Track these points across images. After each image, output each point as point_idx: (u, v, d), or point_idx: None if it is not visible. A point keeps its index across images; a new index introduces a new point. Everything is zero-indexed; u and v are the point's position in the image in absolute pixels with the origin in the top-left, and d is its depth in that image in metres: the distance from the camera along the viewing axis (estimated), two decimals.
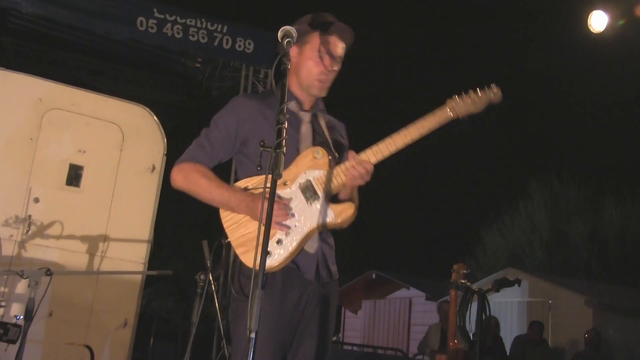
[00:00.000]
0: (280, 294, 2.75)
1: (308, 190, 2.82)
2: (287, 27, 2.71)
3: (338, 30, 2.99)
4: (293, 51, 2.96)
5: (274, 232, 2.74)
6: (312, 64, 2.96)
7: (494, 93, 2.99)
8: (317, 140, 2.95)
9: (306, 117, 3.00)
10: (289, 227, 2.77)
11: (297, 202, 2.81)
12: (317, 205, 2.81)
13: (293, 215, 2.77)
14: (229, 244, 2.88)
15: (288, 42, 2.67)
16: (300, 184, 2.83)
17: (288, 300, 2.77)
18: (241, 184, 2.88)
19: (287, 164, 2.80)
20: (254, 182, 2.84)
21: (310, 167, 2.84)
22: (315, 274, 2.85)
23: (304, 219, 2.79)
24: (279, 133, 2.44)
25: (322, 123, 3.04)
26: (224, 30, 10.62)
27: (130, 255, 5.96)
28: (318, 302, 2.85)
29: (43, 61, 10.64)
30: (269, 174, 2.39)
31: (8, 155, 5.68)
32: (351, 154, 2.86)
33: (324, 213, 2.81)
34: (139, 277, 5.89)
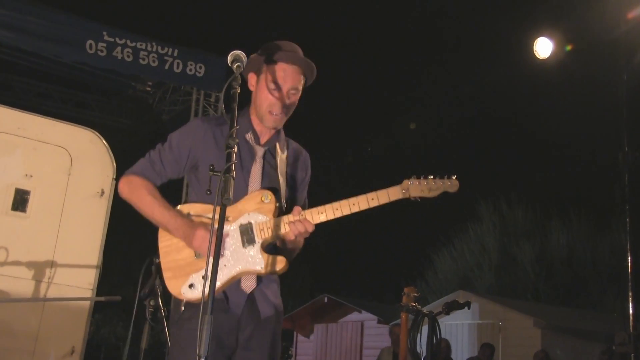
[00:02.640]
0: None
1: (246, 234, 2.82)
2: (237, 52, 2.72)
3: (287, 57, 2.95)
4: (252, 80, 2.99)
5: (203, 264, 2.71)
6: (265, 95, 2.93)
7: (451, 183, 2.95)
8: (266, 180, 2.94)
9: (260, 151, 2.98)
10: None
11: (233, 241, 2.81)
12: (251, 250, 2.80)
13: (223, 255, 2.76)
14: (159, 265, 2.90)
15: (238, 66, 2.68)
16: (241, 224, 2.83)
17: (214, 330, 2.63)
18: (185, 208, 2.88)
19: (236, 199, 2.81)
20: (198, 210, 2.85)
21: (255, 209, 2.84)
22: (249, 310, 2.84)
23: (233, 261, 2.78)
24: (228, 157, 2.45)
25: (280, 158, 3.00)
26: (175, 54, 10.61)
27: (78, 281, 5.84)
28: (254, 335, 2.83)
29: None
30: (217, 204, 2.39)
31: None
32: (297, 209, 2.85)
33: (254, 260, 2.79)
34: (87, 304, 5.78)
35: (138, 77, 11.80)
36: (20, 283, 5.58)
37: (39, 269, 5.69)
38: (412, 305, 5.04)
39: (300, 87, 2.99)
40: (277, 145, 3.02)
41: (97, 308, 6.15)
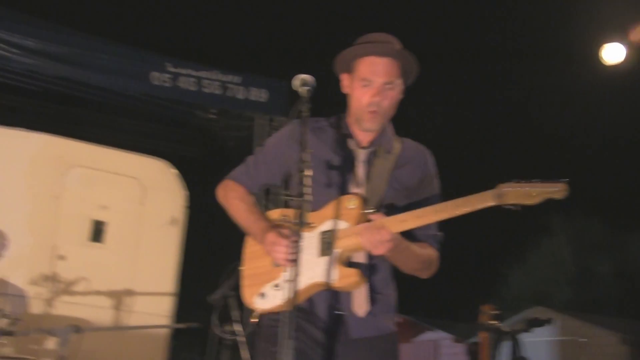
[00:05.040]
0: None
1: (325, 241, 2.63)
2: (304, 75, 2.65)
3: (377, 49, 2.73)
4: (345, 81, 2.82)
5: (279, 274, 2.64)
6: (359, 94, 2.73)
7: (558, 189, 2.47)
8: (368, 185, 2.71)
9: (362, 155, 2.76)
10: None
11: (311, 250, 2.64)
12: (326, 260, 2.60)
13: (298, 264, 2.46)
14: (237, 272, 2.86)
15: (307, 90, 2.55)
16: (322, 232, 2.66)
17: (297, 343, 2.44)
18: (274, 213, 2.80)
19: (326, 203, 2.66)
20: (288, 213, 2.63)
21: (339, 215, 2.64)
22: (337, 326, 2.65)
23: (307, 271, 2.58)
24: (301, 181, 2.39)
25: (385, 160, 2.76)
26: (238, 81, 10.73)
27: (155, 309, 5.95)
28: (342, 355, 2.64)
29: (63, 120, 10.77)
30: (295, 223, 2.37)
31: (33, 214, 5.74)
32: (376, 215, 2.59)
33: (328, 271, 2.59)
34: (165, 331, 5.88)
35: (202, 105, 11.95)
36: (101, 312, 5.72)
37: (118, 297, 5.81)
38: (491, 324, 4.91)
39: (397, 81, 2.75)
40: (382, 146, 2.79)
41: (173, 334, 6.23)
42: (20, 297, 5.49)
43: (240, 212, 2.84)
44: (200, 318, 5.23)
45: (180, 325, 4.83)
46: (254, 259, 2.78)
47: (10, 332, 4.01)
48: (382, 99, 2.71)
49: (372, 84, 2.70)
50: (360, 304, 2.65)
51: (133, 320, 5.84)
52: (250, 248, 2.82)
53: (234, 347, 4.77)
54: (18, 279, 5.54)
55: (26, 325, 4.17)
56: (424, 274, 2.81)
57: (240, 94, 10.67)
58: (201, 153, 12.37)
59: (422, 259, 2.75)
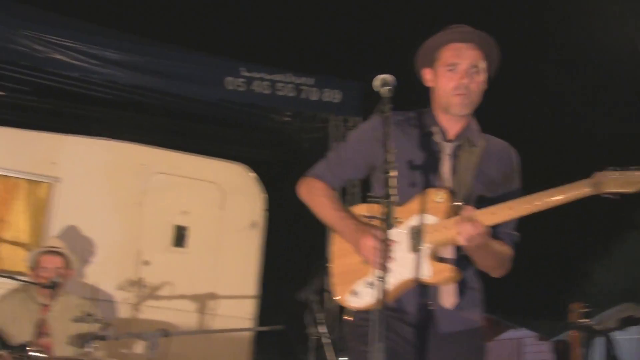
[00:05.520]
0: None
1: (415, 237, 2.60)
2: (384, 75, 2.64)
3: (456, 35, 2.74)
4: (427, 75, 2.81)
5: (370, 271, 2.58)
6: (445, 81, 2.71)
7: None
8: (454, 178, 2.67)
9: (448, 148, 2.73)
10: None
11: (401, 246, 2.61)
12: (418, 256, 2.57)
13: (390, 261, 2.48)
14: (325, 270, 2.85)
15: (388, 90, 2.52)
16: (411, 227, 2.62)
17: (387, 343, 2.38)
18: (359, 208, 2.78)
19: (412, 197, 2.63)
20: (373, 211, 2.57)
21: (426, 210, 2.61)
22: (427, 322, 2.63)
23: (399, 268, 2.56)
24: (386, 183, 2.36)
25: (471, 154, 2.73)
26: (311, 83, 10.76)
27: (238, 312, 6.03)
28: (433, 350, 2.61)
29: (142, 128, 11.04)
30: (382, 221, 2.35)
31: (118, 221, 5.89)
32: (467, 208, 2.55)
33: (421, 267, 2.56)
34: (249, 334, 5.94)
35: (276, 108, 12.03)
36: (185, 315, 5.82)
37: (202, 301, 5.91)
38: (582, 322, 4.78)
39: (481, 66, 2.72)
40: (468, 139, 2.75)
41: (256, 337, 6.29)
42: (109, 302, 5.65)
43: (326, 209, 2.82)
44: (280, 320, 5.26)
45: (265, 328, 4.88)
46: (343, 256, 2.75)
47: (103, 336, 4.11)
48: (469, 81, 2.69)
49: (457, 67, 2.69)
50: (448, 297, 2.63)
51: (217, 323, 5.93)
52: (337, 245, 2.80)
53: (320, 348, 4.76)
54: (107, 284, 5.70)
55: (117, 330, 4.27)
56: (497, 273, 2.76)
57: (313, 95, 10.70)
58: (277, 156, 12.47)
59: (500, 257, 2.71)
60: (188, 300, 5.87)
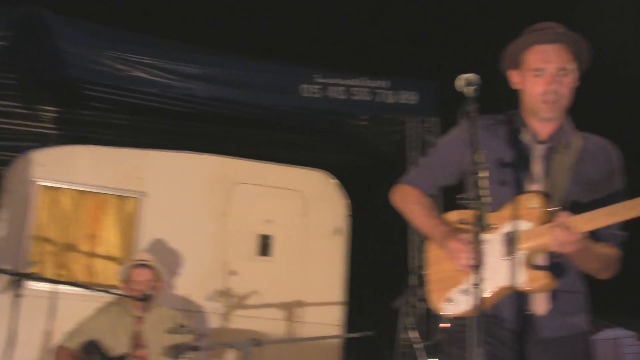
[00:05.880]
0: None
1: (509, 243, 2.55)
2: (467, 75, 2.59)
3: (542, 36, 2.64)
4: (514, 77, 2.74)
5: (465, 278, 2.55)
6: (532, 86, 2.64)
7: None
8: (548, 182, 2.60)
9: (539, 150, 2.66)
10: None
11: (496, 253, 2.56)
12: (511, 263, 2.52)
13: (483, 268, 2.39)
14: (420, 276, 2.83)
15: (474, 89, 2.46)
16: (505, 234, 2.57)
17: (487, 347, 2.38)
18: (453, 215, 2.73)
19: (505, 202, 2.58)
20: (466, 216, 2.49)
21: (520, 216, 2.55)
22: (527, 327, 2.57)
23: (493, 275, 2.51)
24: (475, 184, 2.32)
25: (565, 155, 2.64)
26: (387, 86, 10.71)
27: (326, 319, 6.03)
28: (534, 356, 2.55)
29: (221, 139, 11.21)
30: (473, 225, 2.31)
31: (204, 233, 5.98)
32: (562, 214, 2.47)
33: (516, 274, 2.51)
34: (338, 340, 5.93)
35: (352, 113, 12.01)
36: (274, 324, 5.85)
37: (289, 309, 5.93)
38: None
39: (570, 67, 2.63)
40: (561, 140, 2.67)
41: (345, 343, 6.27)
42: (199, 312, 5.74)
43: (418, 216, 2.81)
44: (365, 326, 5.24)
45: (355, 335, 4.85)
46: (437, 263, 2.73)
47: (197, 347, 4.18)
48: (557, 86, 2.60)
49: (544, 72, 2.60)
50: (540, 303, 2.56)
51: (305, 330, 5.94)
52: (432, 252, 2.77)
53: (409, 354, 4.73)
54: (196, 295, 5.79)
55: (210, 340, 4.33)
56: (603, 275, 2.66)
57: (389, 98, 10.64)
58: (355, 160, 12.45)
59: (604, 259, 2.61)
60: (276, 308, 5.91)
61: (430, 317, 8.08)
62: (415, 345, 4.18)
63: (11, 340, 4.04)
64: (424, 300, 3.93)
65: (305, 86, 10.44)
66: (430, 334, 7.81)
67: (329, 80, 10.56)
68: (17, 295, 4.06)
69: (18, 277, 4.16)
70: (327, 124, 12.28)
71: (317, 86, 10.51)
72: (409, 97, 10.71)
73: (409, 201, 2.86)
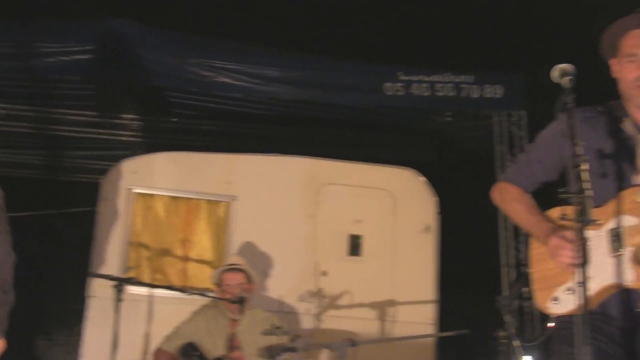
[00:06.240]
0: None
1: (615, 240, 2.45)
2: (563, 65, 2.52)
3: (636, 21, 2.58)
4: (614, 66, 2.68)
5: (570, 276, 2.44)
6: (626, 72, 2.59)
7: None
8: None
9: None
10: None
11: (600, 250, 2.47)
12: (618, 260, 2.43)
13: (588, 265, 2.34)
14: (525, 276, 2.76)
15: (570, 79, 2.42)
16: (610, 230, 2.48)
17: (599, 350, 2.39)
18: (556, 211, 2.65)
19: (611, 196, 2.50)
20: (568, 211, 2.44)
21: (626, 211, 2.45)
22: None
23: (599, 272, 2.44)
24: (577, 177, 2.26)
25: None
26: (471, 80, 10.54)
27: (418, 317, 5.97)
28: None
29: (306, 141, 11.28)
30: (577, 221, 2.24)
31: (294, 235, 6.03)
32: None
33: (623, 271, 2.42)
34: (431, 339, 5.88)
35: (436, 109, 11.87)
36: (366, 324, 5.85)
37: (381, 308, 5.91)
38: None
39: None
40: None
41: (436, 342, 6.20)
42: (292, 314, 5.79)
43: (520, 214, 2.75)
44: (457, 324, 5.17)
45: (450, 333, 4.79)
46: (542, 261, 2.65)
47: (293, 348, 4.21)
48: None
49: (636, 57, 2.54)
50: None
51: (397, 329, 5.91)
52: (536, 250, 2.70)
53: (505, 352, 4.63)
54: (288, 297, 5.84)
55: (305, 341, 4.36)
56: None
57: (474, 93, 10.47)
58: (441, 157, 12.31)
59: None
60: (367, 308, 5.89)
61: (530, 315, 7.92)
62: (514, 344, 4.08)
63: (115, 343, 4.17)
64: (523, 297, 3.84)
65: (389, 84, 10.38)
66: (527, 332, 7.65)
67: (412, 77, 10.48)
68: (119, 300, 4.19)
69: (119, 282, 4.29)
70: (411, 122, 12.19)
71: (400, 84, 10.44)
72: (494, 91, 10.51)
73: (510, 199, 2.81)
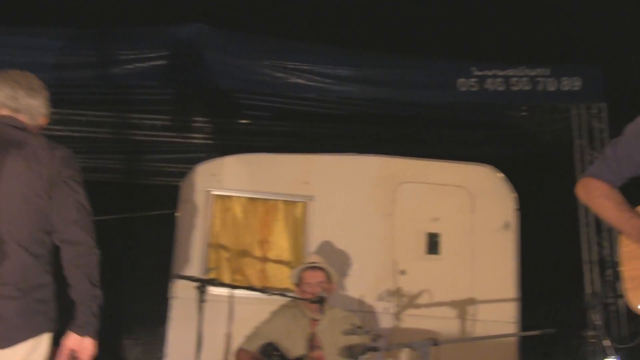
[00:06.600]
0: None
1: None
2: None
3: None
4: None
5: None
6: None
7: None
8: None
9: None
10: None
11: None
12: None
13: None
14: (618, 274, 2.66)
15: None
16: None
17: None
18: None
19: None
20: None
21: None
22: None
23: None
24: None
25: None
26: (547, 73, 10.30)
27: (499, 316, 5.87)
28: None
29: (381, 139, 11.25)
30: None
31: (371, 233, 6.02)
32: None
33: None
34: (513, 338, 5.77)
35: (512, 104, 11.64)
36: (446, 323, 5.79)
37: (461, 307, 5.84)
38: None
39: None
40: None
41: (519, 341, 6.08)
42: (371, 313, 5.78)
43: (608, 210, 2.67)
44: (540, 322, 5.05)
45: (535, 332, 4.69)
46: (633, 259, 2.59)
47: (375, 347, 4.19)
48: None
49: None
50: None
51: (478, 328, 5.83)
52: (626, 248, 2.63)
53: (590, 351, 4.50)
54: (367, 296, 5.84)
55: (387, 341, 4.34)
56: None
57: (551, 86, 10.22)
58: (518, 152, 12.07)
59: None
60: (447, 307, 5.83)
61: (616, 314, 7.68)
62: (603, 343, 3.96)
63: (199, 343, 4.24)
64: (617, 296, 3.72)
65: (462, 80, 10.24)
66: (613, 332, 7.43)
67: (486, 72, 10.31)
68: (202, 301, 4.25)
69: (202, 284, 4.36)
70: (486, 117, 11.99)
71: (474, 79, 10.28)
72: (571, 84, 10.23)
73: (596, 195, 2.72)
